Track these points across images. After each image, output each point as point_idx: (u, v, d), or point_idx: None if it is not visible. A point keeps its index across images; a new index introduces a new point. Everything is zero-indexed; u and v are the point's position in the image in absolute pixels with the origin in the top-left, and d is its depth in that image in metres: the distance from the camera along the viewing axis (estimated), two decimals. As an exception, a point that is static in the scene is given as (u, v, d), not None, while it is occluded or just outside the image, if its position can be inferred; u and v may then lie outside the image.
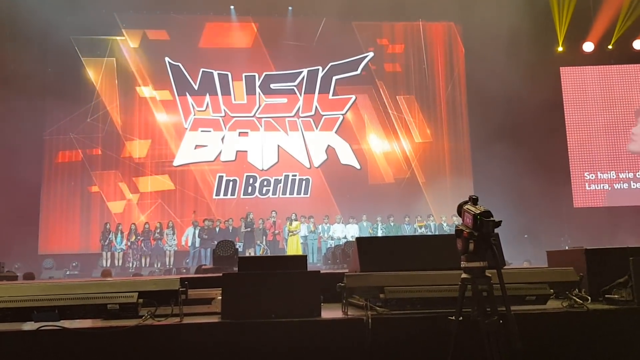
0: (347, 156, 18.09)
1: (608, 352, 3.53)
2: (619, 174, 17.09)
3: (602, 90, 17.38)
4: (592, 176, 17.07)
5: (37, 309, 3.42)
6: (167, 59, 17.84)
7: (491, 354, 2.92)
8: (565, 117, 17.34)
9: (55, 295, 3.45)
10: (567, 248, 12.47)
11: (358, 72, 18.39)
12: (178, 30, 17.88)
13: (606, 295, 3.95)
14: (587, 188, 17.05)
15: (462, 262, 3.08)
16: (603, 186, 17.06)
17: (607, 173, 17.07)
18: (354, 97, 18.34)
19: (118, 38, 17.73)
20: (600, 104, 17.36)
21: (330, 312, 3.70)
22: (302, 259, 3.96)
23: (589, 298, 3.82)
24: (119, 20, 17.65)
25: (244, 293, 3.53)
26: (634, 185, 17.05)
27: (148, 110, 17.84)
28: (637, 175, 17.05)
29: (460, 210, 3.14)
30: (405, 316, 3.56)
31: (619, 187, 17.03)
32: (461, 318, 3.07)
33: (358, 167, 18.05)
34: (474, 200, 3.11)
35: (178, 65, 17.90)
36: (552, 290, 3.81)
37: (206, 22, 18.15)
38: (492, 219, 2.96)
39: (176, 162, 17.64)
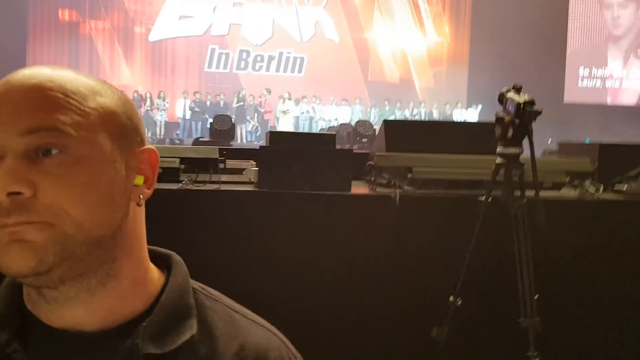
0: (330, 31, 17.60)
1: (616, 240, 3.81)
2: (613, 72, 17.12)
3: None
4: (586, 71, 17.07)
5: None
6: None
7: (517, 234, 3.16)
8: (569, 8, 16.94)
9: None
10: (549, 142, 12.81)
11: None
12: None
13: (615, 187, 4.18)
14: (580, 84, 17.12)
15: (498, 148, 3.21)
16: (595, 83, 17.13)
17: (602, 69, 17.05)
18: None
19: None
20: None
21: (358, 189, 3.86)
22: (331, 137, 4.05)
23: (601, 188, 4.04)
24: None
25: (279, 165, 3.64)
26: (625, 85, 17.17)
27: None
28: (630, 74, 17.12)
29: (501, 98, 3.21)
30: (432, 196, 3.75)
31: (610, 86, 17.13)
32: (490, 199, 3.26)
33: (337, 40, 17.59)
34: (517, 89, 3.17)
35: None
36: (567, 178, 4.01)
37: None
38: (535, 108, 3.05)
39: (153, 37, 16.71)
